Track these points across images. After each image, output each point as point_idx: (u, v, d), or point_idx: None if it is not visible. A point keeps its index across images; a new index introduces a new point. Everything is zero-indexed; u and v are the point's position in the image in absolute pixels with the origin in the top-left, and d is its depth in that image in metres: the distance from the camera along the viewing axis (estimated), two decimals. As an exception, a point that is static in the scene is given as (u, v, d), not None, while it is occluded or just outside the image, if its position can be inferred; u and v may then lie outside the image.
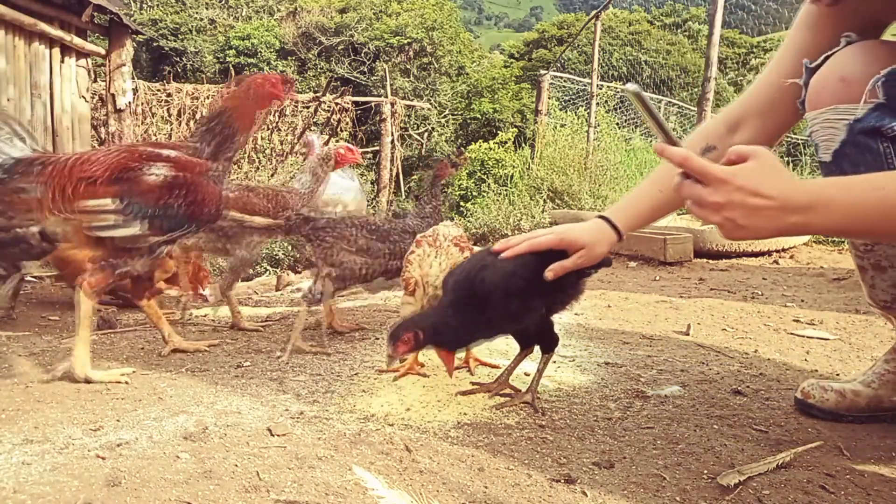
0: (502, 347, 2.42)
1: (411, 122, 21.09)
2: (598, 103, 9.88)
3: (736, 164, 1.17)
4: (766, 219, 1.14)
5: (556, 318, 3.02)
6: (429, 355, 2.27)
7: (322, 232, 2.52)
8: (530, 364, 2.20)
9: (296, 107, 12.98)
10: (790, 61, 1.58)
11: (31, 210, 2.03)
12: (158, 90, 11.54)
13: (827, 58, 1.44)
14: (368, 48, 23.66)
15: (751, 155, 1.16)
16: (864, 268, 1.62)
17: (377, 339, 2.58)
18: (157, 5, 24.87)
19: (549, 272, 1.65)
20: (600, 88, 10.00)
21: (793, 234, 1.19)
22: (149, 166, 2.08)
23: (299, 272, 4.81)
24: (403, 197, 14.68)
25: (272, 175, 9.82)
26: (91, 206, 2.01)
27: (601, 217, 1.73)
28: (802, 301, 3.32)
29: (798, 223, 1.14)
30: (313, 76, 23.78)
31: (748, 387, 1.97)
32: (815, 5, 1.54)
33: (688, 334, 2.66)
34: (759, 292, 3.60)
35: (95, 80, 8.17)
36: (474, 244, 4.68)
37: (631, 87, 1.19)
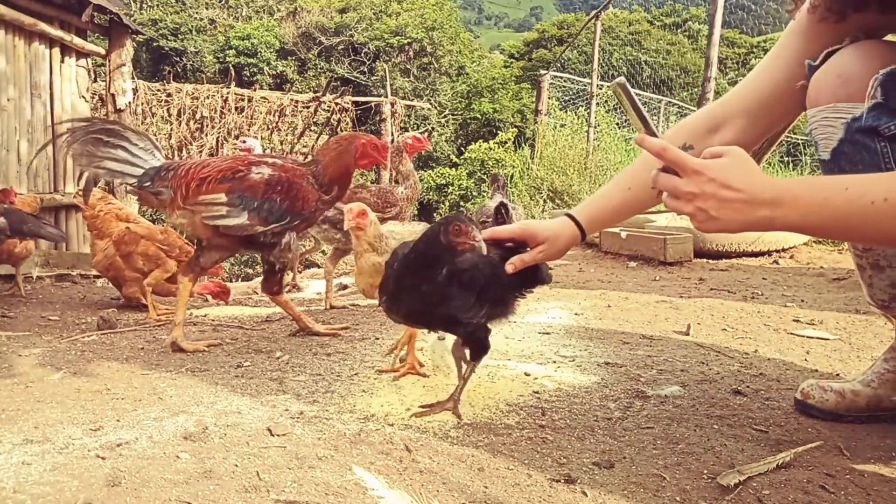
0: (502, 347, 2.42)
1: (411, 122, 21.10)
2: (598, 103, 9.89)
3: None
4: (735, 211, 1.19)
5: (556, 319, 3.03)
6: (429, 355, 2.27)
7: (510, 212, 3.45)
8: (530, 365, 2.20)
9: (296, 107, 12.99)
10: (785, 64, 1.59)
11: (165, 207, 2.46)
12: (158, 90, 11.53)
13: (829, 55, 1.45)
14: (368, 48, 23.68)
15: (725, 152, 1.21)
16: (862, 267, 1.63)
17: (377, 338, 2.58)
18: (157, 5, 24.89)
19: (510, 265, 1.63)
20: (600, 88, 10.00)
21: (761, 228, 1.23)
22: (255, 167, 2.44)
23: (300, 272, 4.82)
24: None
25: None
26: (206, 200, 2.38)
27: (567, 214, 1.74)
28: (802, 301, 3.32)
29: (765, 217, 1.18)
30: (313, 76, 23.80)
31: (748, 387, 1.97)
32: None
33: (688, 334, 2.66)
34: (759, 292, 3.60)
35: (95, 80, 8.17)
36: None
37: (619, 80, 1.28)
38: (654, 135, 1.28)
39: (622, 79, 1.29)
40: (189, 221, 2.45)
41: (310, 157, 2.89)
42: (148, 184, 2.42)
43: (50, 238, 3.11)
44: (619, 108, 11.40)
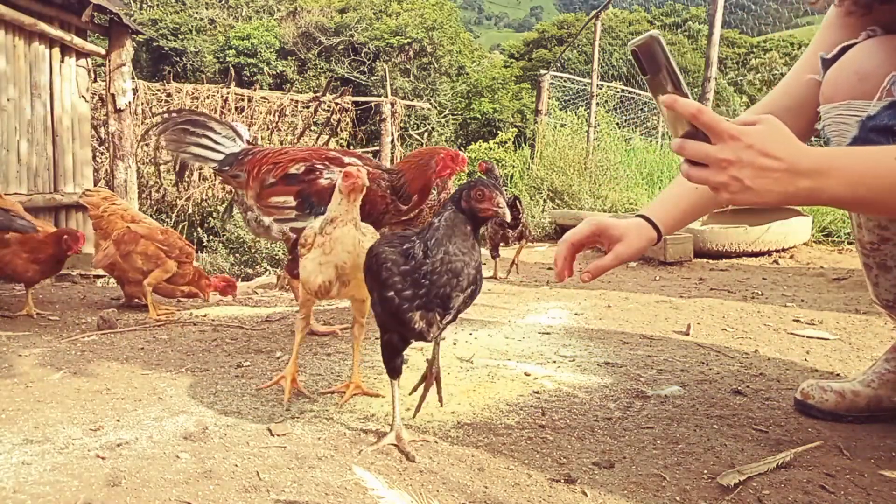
0: (502, 347, 2.42)
1: (411, 122, 21.09)
2: (598, 103, 9.88)
3: None
4: (773, 181, 1.10)
5: (556, 319, 3.03)
6: (427, 356, 2.27)
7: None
8: (530, 365, 2.20)
9: (296, 107, 12.99)
10: (818, 61, 1.54)
11: (242, 189, 2.60)
12: (158, 90, 11.53)
13: (844, 49, 1.41)
14: (368, 48, 23.68)
15: (760, 120, 1.13)
16: (869, 266, 1.61)
17: (377, 338, 2.57)
18: (157, 5, 24.90)
19: (587, 274, 1.49)
20: (600, 88, 10.00)
21: (800, 201, 1.15)
22: (327, 170, 2.49)
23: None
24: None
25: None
26: (278, 203, 2.49)
27: (640, 216, 1.62)
28: (802, 301, 3.32)
29: (806, 188, 1.10)
30: (313, 76, 23.81)
31: (748, 387, 1.97)
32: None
33: (688, 334, 2.66)
34: (759, 292, 3.60)
35: (95, 80, 8.17)
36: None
37: (652, 32, 1.14)
38: (685, 96, 1.15)
39: (656, 31, 1.15)
40: (256, 204, 2.61)
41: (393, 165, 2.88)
42: (227, 168, 2.64)
43: (22, 230, 3.12)
44: (620, 108, 11.38)
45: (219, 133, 2.71)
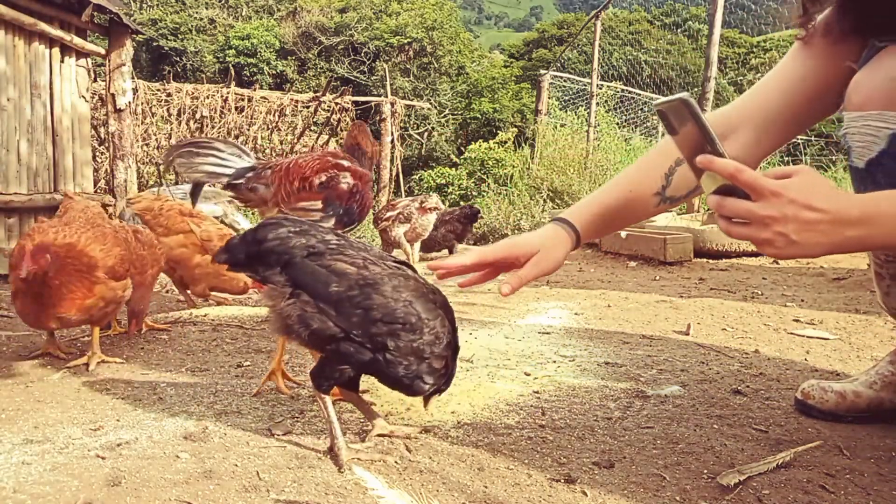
0: (502, 347, 2.42)
1: (411, 122, 21.10)
2: (598, 103, 9.89)
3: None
4: (820, 233, 1.09)
5: (556, 319, 3.03)
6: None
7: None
8: (530, 365, 2.20)
9: (296, 107, 12.99)
10: (791, 73, 1.52)
11: (264, 203, 2.67)
12: (158, 90, 11.52)
13: (874, 51, 1.33)
14: (368, 48, 23.70)
15: (795, 171, 1.11)
16: (881, 275, 1.58)
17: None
18: (157, 5, 24.91)
19: (506, 286, 1.43)
20: (600, 88, 10.00)
21: (850, 249, 1.13)
22: (342, 175, 2.62)
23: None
24: (403, 196, 14.69)
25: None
26: (305, 206, 2.59)
27: (558, 219, 1.57)
28: (802, 301, 3.32)
29: (855, 237, 1.09)
30: (313, 76, 23.81)
31: (748, 387, 1.97)
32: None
33: (688, 334, 2.66)
34: (759, 292, 3.60)
35: (95, 80, 8.17)
36: (474, 244, 4.91)
37: (682, 95, 1.13)
38: (721, 154, 1.13)
39: (686, 94, 1.13)
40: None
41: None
42: (241, 181, 2.71)
43: None
44: (620, 108, 11.38)
45: (224, 151, 2.81)
